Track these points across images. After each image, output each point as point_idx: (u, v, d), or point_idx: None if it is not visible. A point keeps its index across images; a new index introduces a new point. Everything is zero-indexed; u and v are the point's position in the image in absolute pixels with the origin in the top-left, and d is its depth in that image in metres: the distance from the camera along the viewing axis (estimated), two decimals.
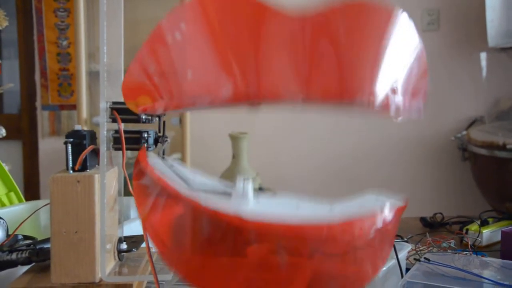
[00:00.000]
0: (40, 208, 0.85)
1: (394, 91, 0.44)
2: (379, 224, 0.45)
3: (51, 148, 2.74)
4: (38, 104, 2.75)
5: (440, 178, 2.80)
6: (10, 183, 1.17)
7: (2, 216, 0.83)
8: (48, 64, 2.70)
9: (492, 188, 2.36)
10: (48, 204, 0.94)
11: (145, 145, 0.60)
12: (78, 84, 2.19)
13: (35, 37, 2.73)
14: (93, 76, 2.41)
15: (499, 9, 2.53)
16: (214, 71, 0.42)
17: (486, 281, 0.69)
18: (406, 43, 0.46)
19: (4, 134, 1.52)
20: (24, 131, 2.74)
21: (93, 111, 2.38)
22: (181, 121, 2.39)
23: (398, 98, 0.44)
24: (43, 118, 2.73)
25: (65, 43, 2.71)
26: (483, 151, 2.32)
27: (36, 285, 0.57)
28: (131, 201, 1.06)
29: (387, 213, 0.46)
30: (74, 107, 2.67)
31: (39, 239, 0.76)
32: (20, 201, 1.17)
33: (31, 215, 0.81)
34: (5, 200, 1.15)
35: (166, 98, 0.47)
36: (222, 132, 2.27)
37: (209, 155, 2.55)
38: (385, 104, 0.43)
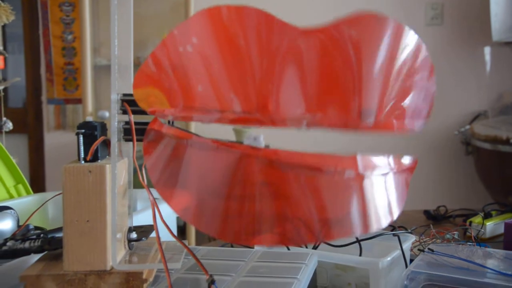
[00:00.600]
0: (50, 199, 0.86)
1: (399, 114, 0.44)
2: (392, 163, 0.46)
3: (57, 141, 2.77)
4: (43, 98, 2.77)
5: (444, 172, 2.81)
6: (18, 175, 1.19)
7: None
8: (54, 58, 2.72)
9: (495, 182, 2.37)
10: (56, 195, 0.95)
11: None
12: (83, 78, 2.20)
13: (41, 32, 2.74)
14: (98, 70, 2.42)
15: (504, 3, 2.53)
16: (224, 88, 0.43)
17: (490, 271, 0.70)
18: (414, 59, 0.46)
19: (11, 128, 1.54)
20: (29, 125, 2.76)
21: (98, 105, 2.40)
22: None
23: (402, 121, 0.45)
24: (48, 112, 2.75)
25: (70, 37, 2.72)
26: (486, 145, 2.33)
27: (49, 272, 0.58)
28: (138, 193, 1.07)
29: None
30: (79, 101, 2.69)
31: (47, 229, 0.78)
32: (28, 193, 1.18)
33: (42, 205, 0.83)
34: (13, 192, 1.17)
35: (177, 107, 0.49)
36: (227, 126, 2.28)
37: None
38: (390, 125, 0.43)
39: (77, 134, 0.59)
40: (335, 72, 0.41)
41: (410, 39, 0.43)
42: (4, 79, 1.59)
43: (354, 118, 0.41)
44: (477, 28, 2.74)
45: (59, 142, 2.74)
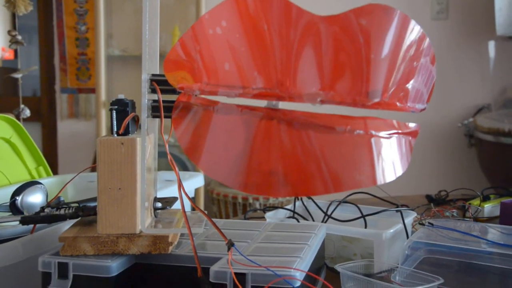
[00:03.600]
0: (77, 175, 0.92)
1: (402, 95, 0.50)
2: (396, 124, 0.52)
3: (70, 129, 2.84)
4: (57, 87, 2.84)
5: (447, 163, 2.86)
6: (39, 158, 1.24)
7: None
8: (67, 49, 2.78)
9: (497, 173, 2.42)
10: (80, 172, 1.01)
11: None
12: (97, 68, 2.26)
13: (55, 23, 2.81)
14: (111, 60, 2.48)
15: None
16: (248, 67, 0.49)
17: (486, 241, 0.76)
18: (417, 47, 0.52)
19: (28, 115, 1.60)
20: (43, 113, 2.83)
21: (111, 94, 2.46)
22: None
23: (405, 101, 0.51)
24: (62, 100, 2.82)
25: (83, 28, 2.79)
26: (489, 138, 2.38)
27: (85, 234, 0.64)
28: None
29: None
30: (91, 90, 2.75)
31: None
32: (48, 175, 1.24)
33: (73, 177, 0.89)
34: (35, 173, 1.23)
35: (203, 83, 0.55)
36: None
37: None
38: (393, 105, 0.49)
39: (111, 110, 0.66)
40: (347, 55, 0.47)
41: (414, 29, 0.50)
42: (14, 69, 1.65)
43: (362, 96, 0.47)
44: (482, 22, 2.78)
45: (72, 130, 2.81)
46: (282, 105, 0.50)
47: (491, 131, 2.37)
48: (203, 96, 0.60)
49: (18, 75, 1.66)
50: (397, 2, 2.76)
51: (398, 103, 0.49)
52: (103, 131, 2.46)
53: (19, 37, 1.70)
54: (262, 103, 0.51)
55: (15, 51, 3.08)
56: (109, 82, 2.48)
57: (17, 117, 1.51)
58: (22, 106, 1.59)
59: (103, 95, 2.31)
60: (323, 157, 0.47)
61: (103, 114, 2.37)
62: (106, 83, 2.38)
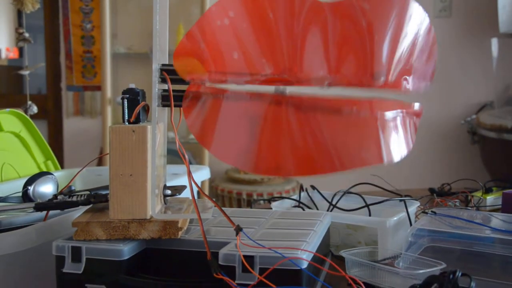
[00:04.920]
0: (83, 168, 0.94)
1: (406, 76, 0.52)
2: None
3: (75, 127, 2.86)
4: (63, 85, 2.86)
5: (450, 160, 2.88)
6: (47, 152, 1.26)
7: None
8: (73, 47, 2.81)
9: (500, 169, 2.43)
10: (87, 164, 1.03)
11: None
12: (103, 65, 2.29)
13: (61, 21, 2.83)
14: (116, 58, 2.50)
15: None
16: (256, 55, 0.51)
17: (487, 228, 0.77)
18: (418, 29, 0.54)
19: (36, 111, 1.62)
20: (49, 111, 2.85)
21: (116, 91, 2.49)
22: None
23: (410, 80, 0.53)
24: (67, 98, 2.84)
25: (89, 26, 2.81)
26: (492, 134, 2.39)
27: (97, 219, 0.66)
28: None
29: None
30: (97, 88, 2.78)
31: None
32: (56, 168, 1.26)
33: (81, 169, 0.91)
34: (43, 167, 1.25)
35: (212, 72, 0.57)
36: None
37: None
38: (398, 85, 0.51)
39: (122, 98, 0.67)
40: (351, 39, 0.49)
41: (415, 11, 0.52)
42: (20, 68, 1.67)
43: (368, 77, 0.49)
44: (485, 20, 2.80)
45: (78, 127, 2.84)
46: (290, 91, 0.52)
47: (494, 128, 2.39)
48: (212, 85, 0.62)
49: (25, 72, 1.68)
50: None
51: (403, 83, 0.51)
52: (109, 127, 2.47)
53: (27, 35, 1.72)
54: (270, 89, 0.53)
55: (20, 50, 3.11)
56: (114, 79, 2.51)
57: (25, 114, 1.53)
58: (29, 102, 1.61)
59: (109, 93, 2.34)
60: (330, 138, 0.49)
61: (109, 111, 2.39)
62: (111, 81, 2.40)
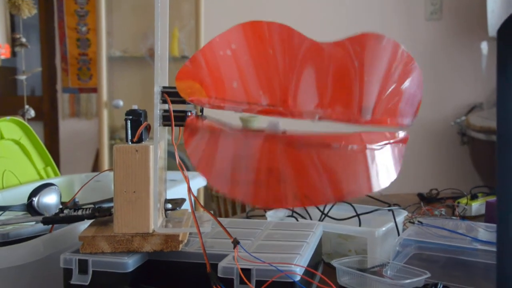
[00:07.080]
0: (89, 181, 0.97)
1: (392, 113, 0.56)
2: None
3: (71, 128, 2.89)
4: (58, 87, 2.89)
5: (440, 161, 2.93)
6: (47, 158, 1.29)
7: None
8: (68, 49, 2.83)
9: (489, 170, 2.49)
10: (96, 175, 1.07)
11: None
12: (99, 68, 2.31)
13: (56, 23, 2.86)
14: (112, 61, 2.53)
15: (500, 0, 2.63)
16: (254, 86, 0.55)
17: (470, 239, 0.82)
18: (404, 69, 0.58)
19: (33, 115, 1.65)
20: (45, 113, 2.88)
21: (112, 94, 2.51)
22: None
23: (394, 118, 0.57)
24: (63, 100, 2.87)
25: (84, 29, 2.84)
26: (481, 136, 2.44)
27: (102, 234, 0.70)
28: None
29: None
30: (93, 90, 2.81)
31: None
32: (56, 174, 1.29)
33: (89, 180, 0.94)
34: (43, 173, 1.28)
35: (212, 97, 0.61)
36: (234, 114, 2.40)
37: None
38: (384, 121, 0.56)
39: (126, 120, 0.71)
40: (342, 77, 0.53)
41: (403, 53, 0.56)
42: (13, 69, 1.69)
43: (356, 114, 0.53)
44: (475, 23, 2.84)
45: (73, 129, 2.86)
46: (283, 122, 0.56)
47: (483, 129, 2.44)
48: (211, 120, 0.66)
49: (22, 77, 1.70)
50: (392, 4, 2.82)
51: (387, 120, 0.55)
52: (105, 130, 2.51)
53: (24, 40, 1.74)
54: (264, 121, 0.57)
55: (15, 52, 3.12)
56: (110, 82, 2.54)
57: (22, 118, 1.56)
58: (26, 107, 1.64)
59: (104, 95, 2.37)
60: (323, 171, 0.53)
61: (105, 113, 2.42)
62: (107, 83, 2.43)
